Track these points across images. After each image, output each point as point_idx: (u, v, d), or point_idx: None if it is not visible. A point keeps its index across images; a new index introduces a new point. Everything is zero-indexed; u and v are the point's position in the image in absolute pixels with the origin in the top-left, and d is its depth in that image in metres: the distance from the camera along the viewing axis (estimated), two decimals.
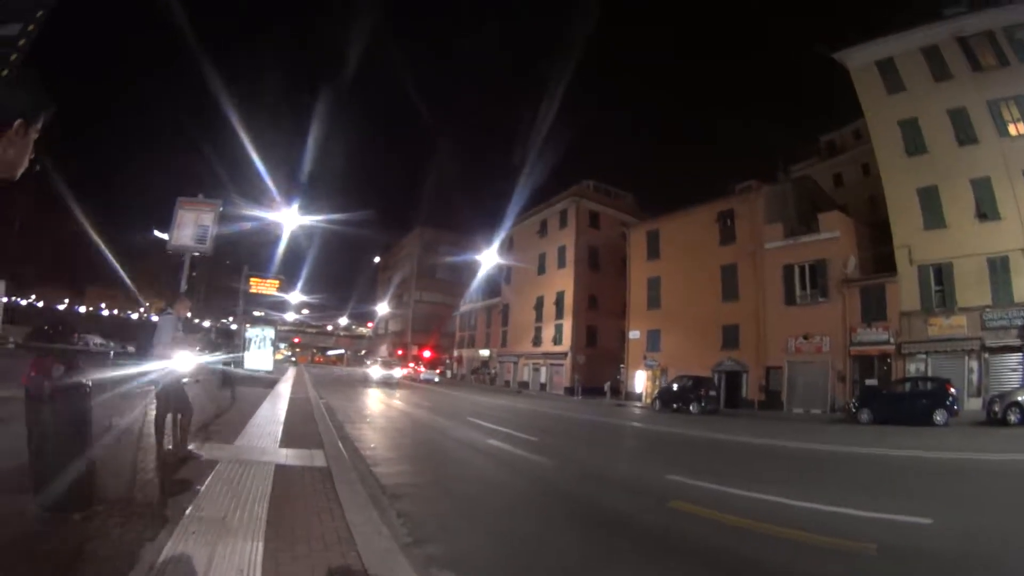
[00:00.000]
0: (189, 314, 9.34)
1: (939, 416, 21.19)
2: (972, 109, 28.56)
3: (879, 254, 31.88)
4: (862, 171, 44.23)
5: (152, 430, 7.85)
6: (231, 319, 42.26)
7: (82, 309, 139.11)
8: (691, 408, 29.40)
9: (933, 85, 30.04)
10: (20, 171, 1.99)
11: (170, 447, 7.86)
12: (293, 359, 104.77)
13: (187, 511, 5.42)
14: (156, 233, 18.31)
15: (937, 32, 30.10)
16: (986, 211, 27.43)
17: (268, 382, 27.89)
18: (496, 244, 58.60)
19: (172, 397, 7.84)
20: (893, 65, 31.73)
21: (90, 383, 5.30)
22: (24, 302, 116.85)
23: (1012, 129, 27.48)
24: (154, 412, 7.92)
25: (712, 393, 31.30)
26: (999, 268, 26.65)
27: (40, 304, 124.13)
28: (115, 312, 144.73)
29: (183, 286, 11.73)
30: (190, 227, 12.50)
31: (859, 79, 33.21)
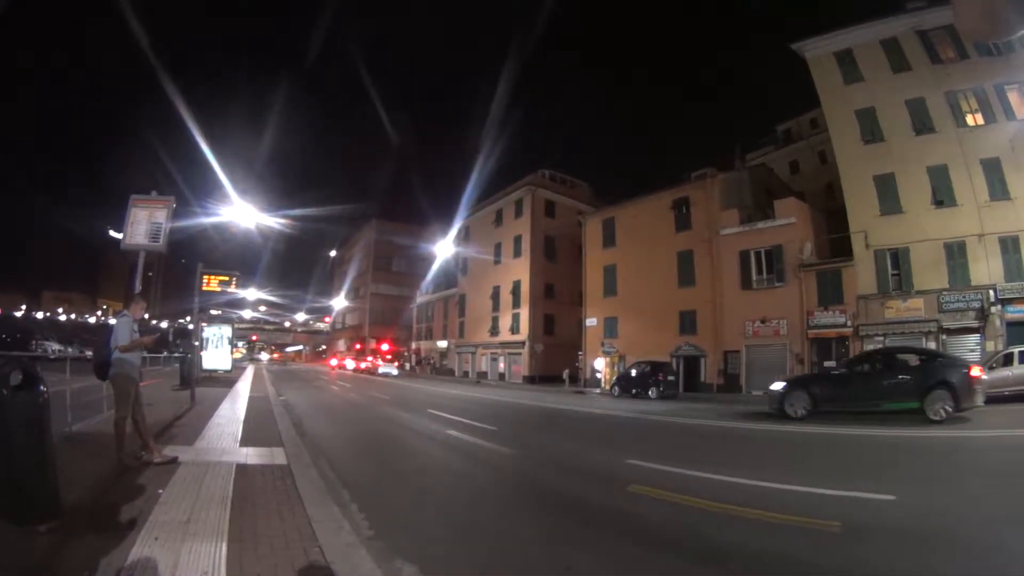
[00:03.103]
0: (146, 315, 9.14)
1: None
2: (930, 100, 28.90)
3: (836, 239, 32.22)
4: (819, 159, 45.01)
5: (113, 434, 7.72)
6: (188, 319, 41.72)
7: (39, 315, 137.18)
8: (650, 393, 29.13)
9: (891, 76, 30.33)
10: None
11: (131, 451, 7.82)
12: (258, 356, 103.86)
13: (150, 516, 5.44)
14: (111, 233, 17.82)
15: (896, 25, 30.35)
16: (943, 198, 27.81)
17: (227, 381, 27.82)
18: (452, 235, 58.50)
19: (133, 400, 7.81)
20: (851, 56, 32.02)
21: (48, 390, 5.18)
22: None
23: (970, 119, 27.90)
24: (114, 417, 7.83)
25: (670, 378, 31.11)
26: (956, 253, 27.10)
27: None
28: (72, 316, 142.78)
29: (137, 286, 11.30)
30: (144, 225, 12.07)
31: (817, 69, 33.42)
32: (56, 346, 45.30)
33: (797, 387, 17.72)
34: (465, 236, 62.10)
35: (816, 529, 5.74)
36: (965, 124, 27.89)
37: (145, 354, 10.05)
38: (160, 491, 6.37)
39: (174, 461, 7.86)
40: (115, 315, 8.73)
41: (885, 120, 30.31)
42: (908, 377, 15.62)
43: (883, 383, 15.92)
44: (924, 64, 29.37)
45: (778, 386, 18.02)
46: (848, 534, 5.61)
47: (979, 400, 14.84)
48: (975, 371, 15.19)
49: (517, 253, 53.70)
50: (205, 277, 22.05)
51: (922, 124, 29.02)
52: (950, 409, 14.35)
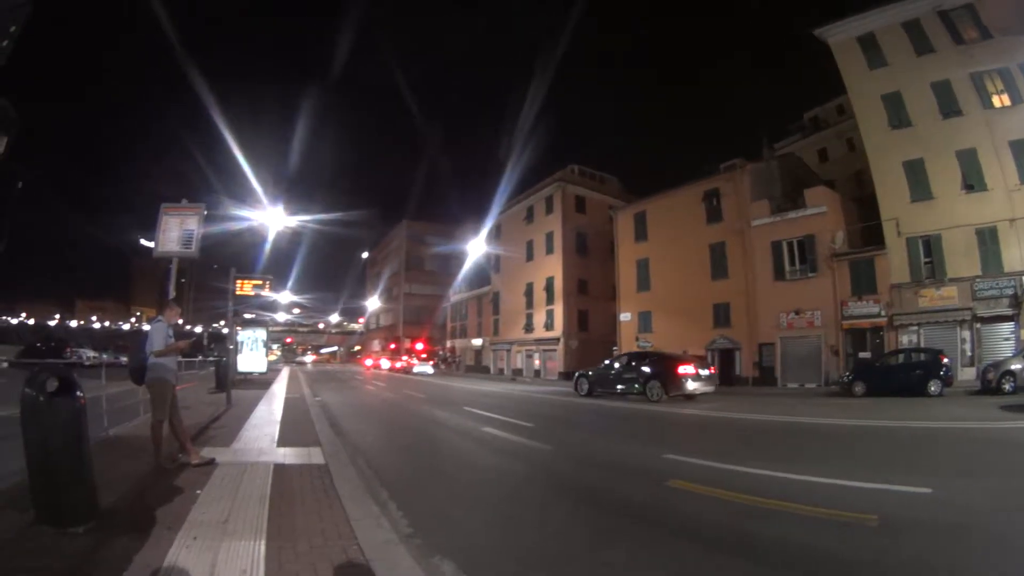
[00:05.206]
0: (180, 320, 9.33)
1: (933, 386, 21.28)
2: (956, 82, 28.62)
3: (867, 228, 31.98)
4: (847, 146, 44.40)
5: (150, 437, 7.84)
6: (223, 323, 42.30)
7: (73, 323, 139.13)
8: None
9: (915, 59, 30.10)
10: None
11: (169, 454, 7.94)
12: (302, 359, 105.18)
13: (188, 516, 5.47)
14: (143, 242, 18.21)
15: (918, 6, 30.04)
16: (973, 182, 27.58)
17: (263, 383, 28.11)
18: (484, 233, 58.61)
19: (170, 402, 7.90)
20: (874, 40, 31.80)
21: (84, 395, 5.26)
22: (15, 321, 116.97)
23: (996, 101, 27.59)
24: (151, 420, 7.93)
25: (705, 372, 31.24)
26: (988, 238, 26.87)
27: (31, 322, 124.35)
28: (106, 324, 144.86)
29: (171, 292, 11.67)
30: (175, 232, 12.37)
31: (841, 55, 33.24)
32: (91, 353, 45.82)
33: (581, 376, 26.57)
34: (497, 234, 62.27)
35: (854, 523, 5.73)
36: (991, 106, 27.61)
37: (180, 358, 10.29)
38: (198, 492, 6.47)
39: (211, 462, 8.01)
40: (149, 321, 9.00)
41: (911, 104, 30.10)
42: (637, 372, 23.18)
43: (624, 375, 23.85)
44: (947, 45, 29.11)
45: (575, 375, 27.97)
46: (884, 528, 5.58)
47: (687, 389, 21.54)
48: (680, 369, 21.91)
49: (549, 249, 53.92)
50: (238, 282, 22.38)
51: (949, 107, 28.78)
52: (661, 394, 21.47)
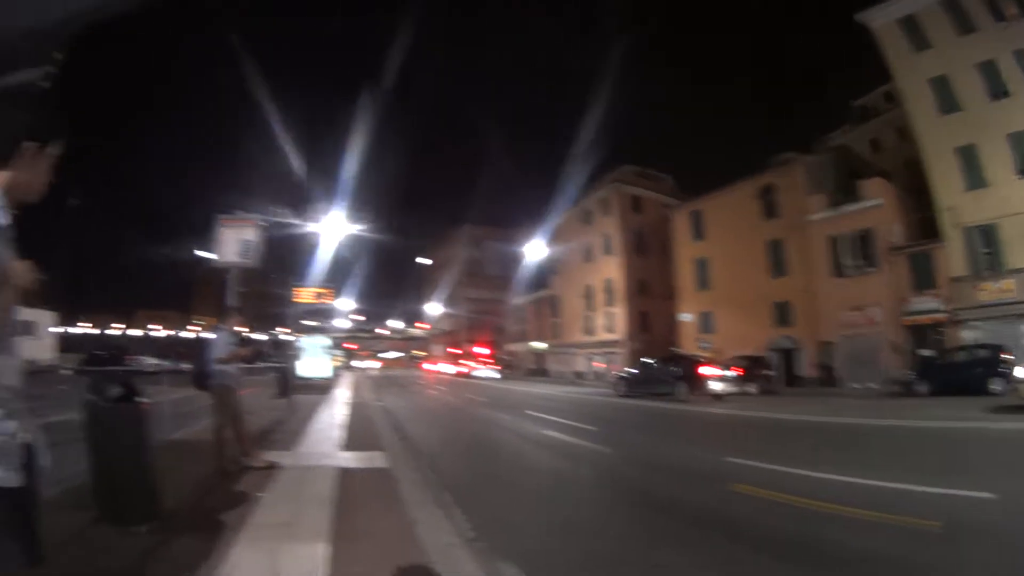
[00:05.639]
0: (243, 328, 9.76)
1: (996, 384, 20.80)
2: (1001, 61, 27.91)
3: (923, 219, 31.21)
4: (897, 135, 42.91)
5: (213, 441, 8.11)
6: (286, 331, 43.41)
7: (134, 332, 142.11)
8: (749, 389, 29.24)
9: (958, 39, 29.45)
10: (36, 195, 2.16)
11: (232, 457, 8.21)
12: (370, 365, 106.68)
13: (250, 518, 5.64)
14: (197, 253, 18.79)
15: None
16: None
17: (325, 388, 28.47)
18: (542, 237, 58.94)
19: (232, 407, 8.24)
20: (916, 22, 31.16)
21: (147, 400, 5.58)
22: (79, 331, 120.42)
23: None
24: (214, 424, 8.25)
25: (768, 373, 31.36)
26: None
27: (95, 331, 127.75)
28: (169, 333, 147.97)
29: (232, 301, 12.10)
30: (233, 243, 13.08)
31: (884, 39, 32.69)
32: (152, 360, 46.93)
33: (619, 379, 29.43)
34: (555, 237, 61.81)
35: (919, 529, 5.63)
36: None
37: (243, 364, 10.84)
38: (260, 494, 6.57)
39: (274, 466, 8.18)
40: (212, 329, 9.46)
41: (959, 87, 29.46)
42: (667, 373, 25.33)
43: (656, 377, 26.01)
44: (989, 23, 28.44)
45: (612, 377, 32.91)
46: (949, 535, 5.51)
47: (708, 388, 23.38)
48: (701, 370, 24.13)
49: (607, 250, 54.38)
50: (300, 290, 22.88)
51: (996, 88, 28.10)
52: (687, 394, 23.18)
